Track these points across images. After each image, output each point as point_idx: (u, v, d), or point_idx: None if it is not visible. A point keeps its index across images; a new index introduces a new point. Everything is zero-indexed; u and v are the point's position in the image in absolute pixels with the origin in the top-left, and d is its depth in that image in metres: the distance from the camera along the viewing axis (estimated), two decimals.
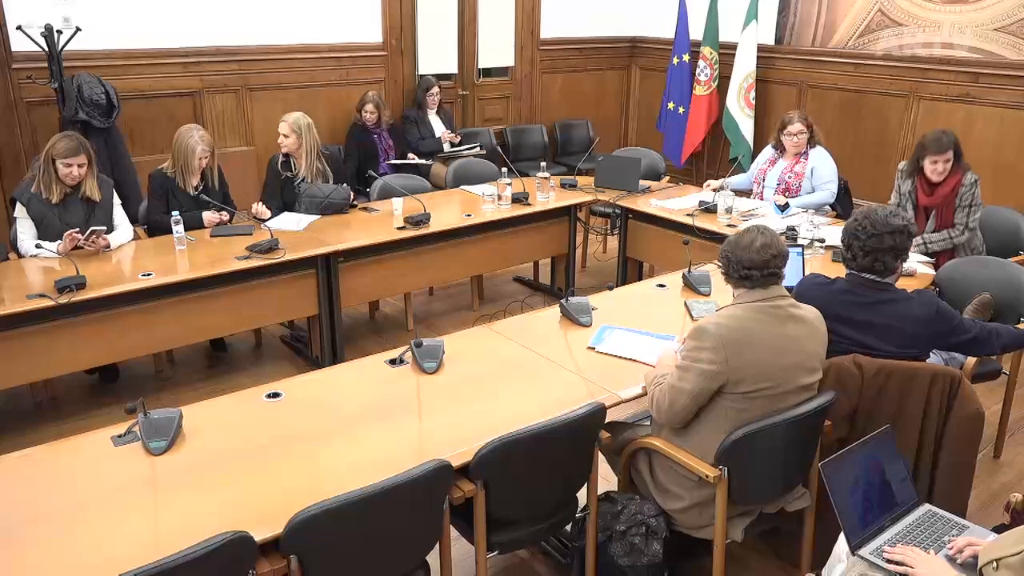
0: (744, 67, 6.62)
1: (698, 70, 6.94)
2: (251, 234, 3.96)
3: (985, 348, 2.70)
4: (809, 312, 2.36)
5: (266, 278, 3.76)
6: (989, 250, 3.99)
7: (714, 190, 4.67)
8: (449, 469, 1.99)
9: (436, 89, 6.05)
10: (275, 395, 2.46)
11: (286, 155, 4.41)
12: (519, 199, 4.66)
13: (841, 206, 4.69)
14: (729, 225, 4.18)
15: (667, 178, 5.52)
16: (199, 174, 4.09)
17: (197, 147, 4.00)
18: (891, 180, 6.12)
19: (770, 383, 2.24)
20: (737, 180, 4.85)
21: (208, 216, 4.09)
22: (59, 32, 4.60)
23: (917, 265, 3.55)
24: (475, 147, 5.96)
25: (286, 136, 4.35)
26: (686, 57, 6.98)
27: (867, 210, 2.65)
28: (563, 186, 5.04)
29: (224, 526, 1.70)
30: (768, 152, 4.77)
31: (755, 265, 2.25)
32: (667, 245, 4.48)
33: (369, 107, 5.71)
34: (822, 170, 4.53)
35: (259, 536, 1.77)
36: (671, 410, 2.30)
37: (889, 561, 1.89)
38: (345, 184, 4.48)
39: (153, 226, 4.10)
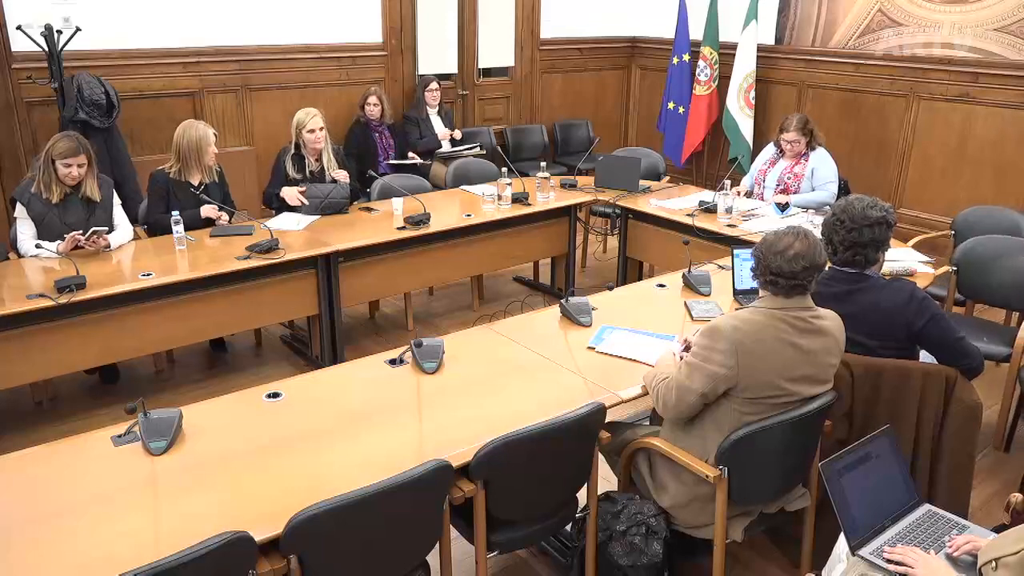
0: (744, 67, 6.61)
1: (698, 70, 6.94)
2: (251, 234, 3.96)
3: (976, 359, 2.52)
4: (830, 322, 2.29)
5: (266, 278, 3.76)
6: None
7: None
8: (449, 469, 1.99)
9: (435, 85, 6.05)
10: (275, 395, 2.46)
11: (298, 150, 4.39)
12: (519, 199, 4.66)
13: None
14: (729, 225, 4.18)
15: (667, 178, 5.52)
16: (210, 167, 4.06)
17: (209, 132, 3.99)
18: (891, 180, 6.16)
19: (778, 393, 2.23)
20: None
21: (206, 209, 4.03)
22: (59, 32, 4.60)
23: (917, 264, 3.55)
24: (475, 147, 5.96)
25: (321, 129, 4.34)
26: (686, 57, 6.98)
27: (845, 203, 2.60)
28: (563, 186, 5.04)
29: (224, 526, 1.70)
30: (770, 151, 4.78)
31: (782, 274, 2.18)
32: (667, 245, 4.48)
33: (372, 99, 5.72)
34: (822, 171, 4.54)
35: (259, 536, 1.77)
36: (677, 407, 2.29)
37: (889, 561, 1.89)
38: (347, 182, 4.46)
39: (152, 226, 4.09)
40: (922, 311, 2.51)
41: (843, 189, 4.69)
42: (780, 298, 2.23)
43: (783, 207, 4.41)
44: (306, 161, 4.41)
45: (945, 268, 3.78)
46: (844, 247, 2.56)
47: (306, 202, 4.26)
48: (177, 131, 4.02)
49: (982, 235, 3.93)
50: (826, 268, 2.64)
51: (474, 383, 2.59)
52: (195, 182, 4.05)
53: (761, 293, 2.30)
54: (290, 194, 4.29)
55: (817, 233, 3.89)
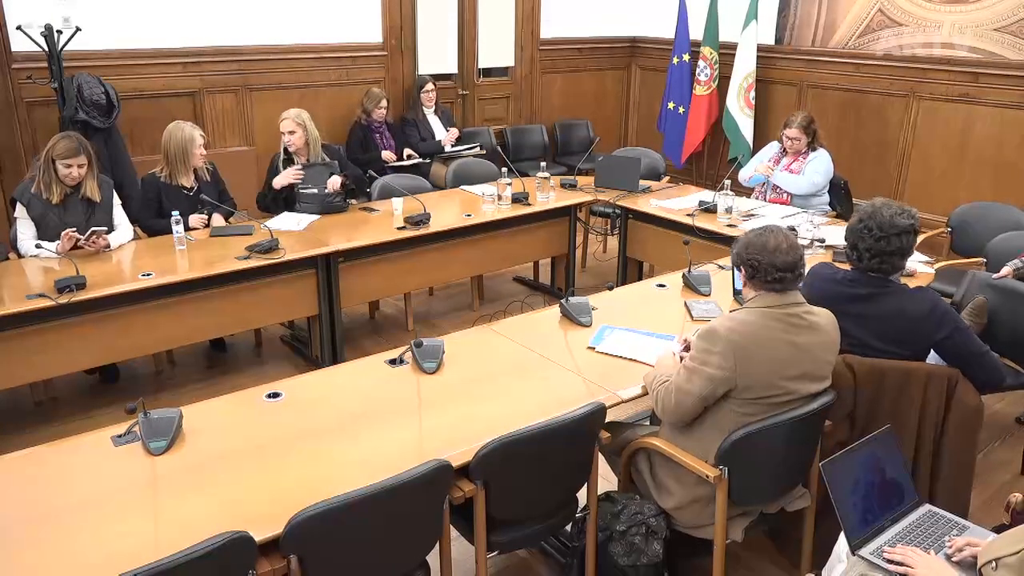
0: (744, 67, 6.61)
1: (698, 70, 6.93)
2: (251, 234, 3.95)
3: (995, 374, 2.53)
4: (823, 318, 2.29)
5: (266, 278, 3.76)
6: None
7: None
8: (449, 469, 1.99)
9: (430, 86, 6.04)
10: (275, 395, 2.46)
11: (288, 153, 4.40)
12: (519, 199, 4.66)
13: (841, 207, 4.69)
14: (729, 225, 4.18)
15: (667, 178, 5.52)
16: (194, 170, 4.05)
17: (195, 133, 3.98)
18: (891, 180, 6.16)
19: (777, 391, 2.23)
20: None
21: (195, 218, 4.03)
22: (59, 32, 4.59)
23: (918, 265, 3.55)
24: (475, 147, 5.96)
25: (292, 132, 4.33)
26: (686, 57, 6.98)
27: (871, 209, 2.54)
28: (563, 186, 5.04)
29: (224, 526, 1.70)
30: (773, 149, 4.80)
31: (787, 267, 2.20)
32: (667, 245, 4.48)
33: (384, 103, 5.70)
34: (815, 163, 4.59)
35: (259, 536, 1.77)
36: (677, 411, 2.29)
37: (889, 561, 1.89)
38: (348, 174, 4.43)
39: (144, 229, 4.07)
40: (943, 323, 2.48)
41: (843, 190, 4.70)
42: (774, 295, 2.24)
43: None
44: (295, 162, 4.41)
45: (957, 261, 3.79)
46: (870, 255, 2.52)
47: (301, 174, 4.30)
48: (164, 134, 4.02)
49: (981, 233, 3.94)
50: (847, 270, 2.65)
51: (474, 383, 2.59)
52: (187, 184, 4.05)
53: (753, 293, 2.30)
54: (284, 176, 4.30)
55: (818, 233, 3.92)
